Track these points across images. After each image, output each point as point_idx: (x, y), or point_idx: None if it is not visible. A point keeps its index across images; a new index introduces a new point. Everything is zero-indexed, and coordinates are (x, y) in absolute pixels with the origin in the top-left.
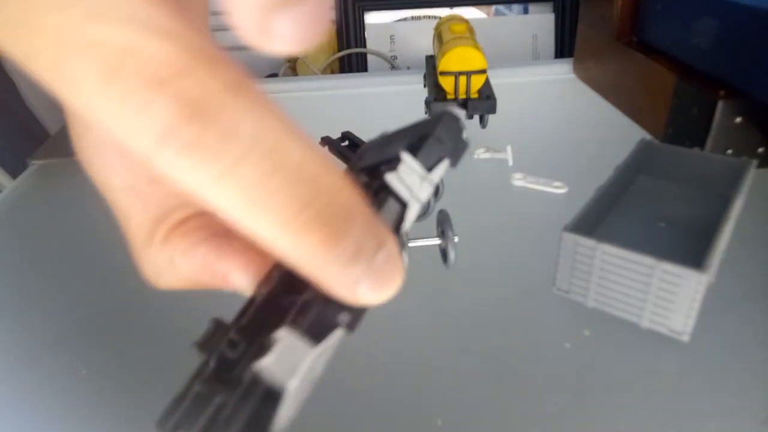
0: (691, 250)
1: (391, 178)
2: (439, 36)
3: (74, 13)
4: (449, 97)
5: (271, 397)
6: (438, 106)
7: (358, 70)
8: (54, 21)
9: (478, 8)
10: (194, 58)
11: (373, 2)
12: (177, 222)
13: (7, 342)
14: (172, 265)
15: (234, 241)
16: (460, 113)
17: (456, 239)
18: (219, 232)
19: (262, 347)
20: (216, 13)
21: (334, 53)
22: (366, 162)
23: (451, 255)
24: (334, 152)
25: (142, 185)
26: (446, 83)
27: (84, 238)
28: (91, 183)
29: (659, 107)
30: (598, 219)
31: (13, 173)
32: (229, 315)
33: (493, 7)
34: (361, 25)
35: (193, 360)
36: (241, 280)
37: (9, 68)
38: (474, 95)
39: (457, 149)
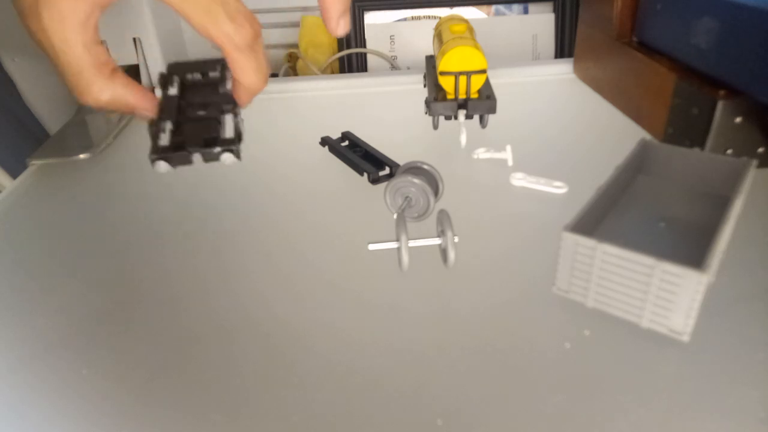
0: (692, 250)
1: None
2: (439, 36)
3: None
4: (449, 96)
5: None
6: (438, 107)
7: (358, 70)
8: None
9: (477, 8)
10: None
11: (373, 2)
12: (114, 67)
13: (8, 342)
14: (115, 89)
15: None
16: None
17: (456, 239)
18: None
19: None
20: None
21: (334, 53)
22: None
23: (451, 255)
24: (334, 152)
25: (91, 44)
26: (446, 83)
27: (84, 239)
28: (91, 184)
29: (659, 107)
30: (598, 219)
31: (13, 173)
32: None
33: (493, 7)
34: (361, 25)
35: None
36: (147, 110)
37: (9, 68)
38: (474, 95)
39: None
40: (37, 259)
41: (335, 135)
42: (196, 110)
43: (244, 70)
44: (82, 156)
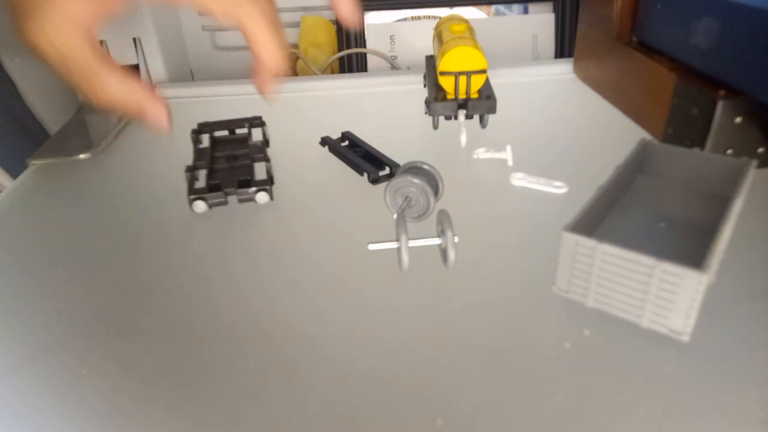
0: (692, 250)
1: None
2: (439, 36)
3: None
4: (449, 96)
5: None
6: (438, 107)
7: (358, 70)
8: None
9: (477, 8)
10: None
11: (373, 2)
12: (118, 65)
13: (7, 342)
14: (121, 81)
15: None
16: None
17: (456, 239)
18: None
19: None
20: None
21: (334, 53)
22: None
23: (451, 255)
24: (334, 152)
25: (93, 43)
26: (446, 83)
27: (83, 239)
28: (91, 184)
29: (659, 107)
30: (598, 219)
31: (13, 173)
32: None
33: (493, 7)
34: (361, 25)
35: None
36: (157, 111)
37: (9, 68)
38: (474, 95)
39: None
40: (36, 259)
41: (335, 135)
42: (227, 162)
43: (267, 47)
44: (82, 156)
